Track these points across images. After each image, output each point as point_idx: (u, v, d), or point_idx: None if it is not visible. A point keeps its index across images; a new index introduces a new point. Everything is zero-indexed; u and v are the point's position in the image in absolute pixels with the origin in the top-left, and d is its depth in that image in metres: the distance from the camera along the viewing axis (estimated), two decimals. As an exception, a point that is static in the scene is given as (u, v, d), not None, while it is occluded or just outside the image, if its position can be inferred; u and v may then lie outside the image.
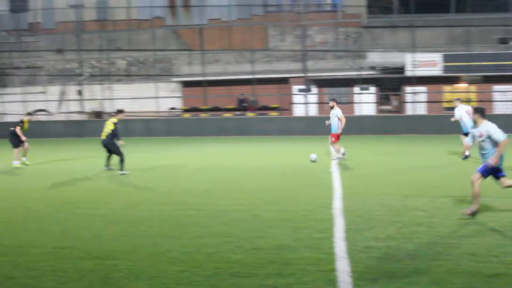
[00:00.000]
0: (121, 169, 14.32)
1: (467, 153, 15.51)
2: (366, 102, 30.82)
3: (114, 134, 14.62)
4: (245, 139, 25.55)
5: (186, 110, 31.92)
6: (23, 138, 17.08)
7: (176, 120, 30.73)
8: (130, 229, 8.16)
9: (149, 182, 12.98)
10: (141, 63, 32.95)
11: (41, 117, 33.14)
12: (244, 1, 32.12)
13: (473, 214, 8.36)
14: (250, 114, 30.08)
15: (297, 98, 30.74)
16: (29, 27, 34.64)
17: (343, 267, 6.13)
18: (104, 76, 32.96)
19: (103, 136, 14.80)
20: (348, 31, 32.66)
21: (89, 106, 32.89)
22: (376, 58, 31.09)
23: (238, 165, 16.03)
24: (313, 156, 16.33)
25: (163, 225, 8.33)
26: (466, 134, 15.21)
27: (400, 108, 31.76)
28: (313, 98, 30.97)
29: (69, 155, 20.86)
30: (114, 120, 14.87)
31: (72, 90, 33.15)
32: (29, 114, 19.09)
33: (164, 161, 17.82)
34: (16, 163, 16.93)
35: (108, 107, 32.63)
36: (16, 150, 17.11)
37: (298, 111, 30.67)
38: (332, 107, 15.89)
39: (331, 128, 15.88)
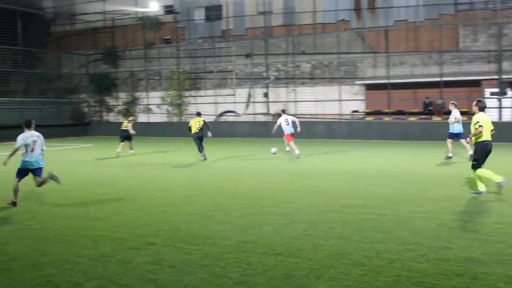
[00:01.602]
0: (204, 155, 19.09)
1: None
2: None
3: (204, 129, 19.39)
4: (429, 145, 24.42)
5: (368, 113, 31.51)
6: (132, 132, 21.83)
7: (358, 123, 30.50)
8: (310, 228, 8.25)
9: (327, 185, 13.05)
10: (325, 66, 33.31)
11: (229, 118, 35.16)
12: (433, 1, 30.77)
13: None
14: (436, 119, 28.71)
15: (490, 102, 28.58)
16: (221, 34, 36.97)
17: (542, 287, 5.53)
18: (289, 79, 33.93)
19: (196, 130, 19.24)
20: (552, 29, 29.56)
21: (274, 108, 34.08)
22: None
23: (421, 172, 15.36)
24: (273, 149, 19.53)
25: (343, 227, 8.29)
26: None
27: None
28: (508, 102, 28.57)
29: (253, 153, 21.78)
30: (201, 119, 19.66)
31: (258, 93, 34.68)
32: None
33: (343, 164, 17.78)
34: None
35: (292, 109, 33.49)
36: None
37: (491, 116, 28.45)
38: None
39: None
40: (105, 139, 33.79)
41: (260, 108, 34.57)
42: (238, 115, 35.23)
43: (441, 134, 26.66)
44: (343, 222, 8.65)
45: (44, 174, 11.34)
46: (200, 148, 19.24)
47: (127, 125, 21.91)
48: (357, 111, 32.14)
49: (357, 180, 13.55)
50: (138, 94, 38.92)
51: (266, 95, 34.19)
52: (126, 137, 21.87)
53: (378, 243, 7.31)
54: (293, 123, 19.62)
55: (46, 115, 37.87)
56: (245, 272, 6.18)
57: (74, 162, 19.88)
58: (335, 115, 31.99)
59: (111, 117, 40.20)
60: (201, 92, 36.63)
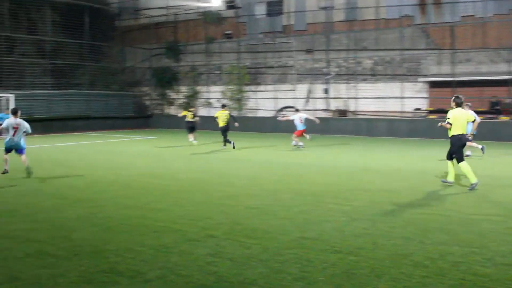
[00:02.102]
0: (225, 145, 21.85)
1: None
2: None
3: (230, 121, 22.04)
4: (496, 145, 23.56)
5: (432, 111, 30.70)
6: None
7: (421, 121, 29.78)
8: (371, 227, 8.12)
9: (388, 183, 12.82)
10: (387, 63, 32.69)
11: (289, 113, 35.10)
12: (503, -5, 29.62)
13: None
14: (503, 118, 27.66)
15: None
16: (282, 29, 36.91)
17: None
18: (350, 75, 33.52)
19: (224, 124, 21.91)
20: None
21: (334, 104, 33.78)
22: None
23: (489, 174, 14.83)
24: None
25: (405, 227, 8.11)
26: None
27: None
28: None
29: (312, 149, 21.67)
30: (227, 111, 22.32)
31: (318, 89, 34.45)
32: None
33: (405, 162, 17.42)
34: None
35: (353, 106, 33.10)
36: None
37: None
38: None
39: None
40: (166, 132, 34.46)
41: (320, 104, 34.33)
42: (298, 110, 35.11)
43: (510, 134, 25.77)
44: (405, 222, 8.47)
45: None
46: (228, 139, 21.74)
47: (192, 116, 24.16)
48: (419, 109, 31.39)
49: (420, 180, 13.23)
50: (198, 88, 39.44)
51: (326, 91, 33.92)
52: (191, 128, 24.18)
53: (442, 245, 7.10)
54: (306, 120, 22.25)
55: (110, 107, 38.99)
56: (305, 269, 6.14)
57: (136, 154, 20.36)
58: (397, 112, 31.38)
59: (172, 110, 40.91)
60: (261, 87, 36.74)
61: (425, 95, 31.49)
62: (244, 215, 9.01)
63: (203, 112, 38.64)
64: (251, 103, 36.83)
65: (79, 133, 33.07)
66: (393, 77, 32.26)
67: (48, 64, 35.58)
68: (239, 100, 36.99)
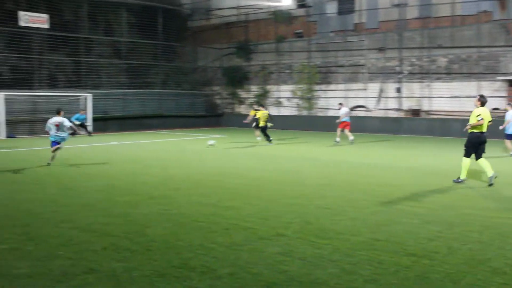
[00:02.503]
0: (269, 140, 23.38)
1: None
2: None
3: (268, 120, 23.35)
4: None
5: (511, 111, 29.31)
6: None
7: (499, 121, 28.53)
8: (445, 230, 7.86)
9: (463, 186, 12.38)
10: (463, 61, 31.55)
11: (360, 113, 34.60)
12: None
13: None
14: None
15: None
16: (354, 28, 36.42)
17: None
18: (424, 74, 32.63)
19: (264, 124, 23.41)
20: None
21: (407, 104, 33.00)
22: None
23: None
24: (211, 141, 22.59)
25: (482, 232, 7.80)
26: None
27: None
28: None
29: (385, 150, 21.28)
30: (267, 111, 23.97)
31: (390, 88, 33.75)
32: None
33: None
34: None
35: (426, 106, 32.23)
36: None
37: None
38: None
39: None
40: (236, 130, 34.81)
41: (392, 103, 33.63)
42: (369, 110, 34.57)
43: None
44: (482, 226, 8.14)
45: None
46: (268, 138, 23.39)
47: (261, 114, 24.39)
48: (497, 109, 30.10)
49: (499, 183, 12.69)
50: (269, 87, 39.59)
51: (398, 90, 33.18)
52: (259, 125, 24.47)
53: (523, 251, 6.78)
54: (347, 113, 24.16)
55: (182, 106, 39.83)
56: (377, 271, 6.03)
57: (208, 152, 20.69)
58: (473, 112, 30.21)
59: (243, 109, 41.29)
60: (332, 86, 36.42)
61: (504, 94, 30.17)
62: (315, 215, 8.95)
63: (273, 111, 38.80)
64: (321, 103, 36.58)
65: (152, 131, 33.99)
66: (469, 75, 31.12)
67: (124, 64, 36.79)
68: (309, 100, 36.84)
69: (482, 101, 12.29)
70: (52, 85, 33.21)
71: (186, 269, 6.10)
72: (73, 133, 29.21)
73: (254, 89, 40.50)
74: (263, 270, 6.05)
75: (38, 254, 6.70)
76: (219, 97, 43.13)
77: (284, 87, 38.79)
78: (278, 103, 38.76)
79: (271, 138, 23.70)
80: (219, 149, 21.82)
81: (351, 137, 23.97)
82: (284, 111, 38.30)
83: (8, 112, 28.27)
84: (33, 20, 31.01)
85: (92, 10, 35.18)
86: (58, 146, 16.21)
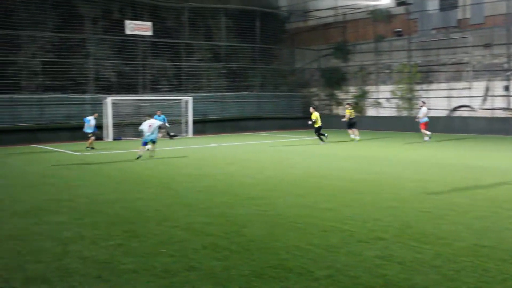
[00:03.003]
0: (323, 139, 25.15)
1: None
2: None
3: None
4: None
5: None
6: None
7: None
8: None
9: None
10: None
11: (464, 113, 33.11)
12: None
13: None
14: None
15: None
16: (457, 24, 34.92)
17: None
18: (534, 71, 30.62)
19: (319, 124, 24.66)
20: None
21: (515, 103, 31.15)
22: None
23: None
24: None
25: None
26: None
27: None
28: None
29: (489, 152, 20.23)
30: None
31: (498, 86, 31.98)
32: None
33: None
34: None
35: (537, 104, 30.26)
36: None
37: None
38: None
39: None
40: (334, 132, 34.50)
41: (499, 102, 31.87)
42: (474, 110, 32.98)
43: None
44: None
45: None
46: (322, 134, 25.07)
47: (350, 113, 26.03)
48: None
49: None
50: (367, 88, 38.91)
51: (507, 88, 31.38)
52: (351, 124, 25.92)
53: None
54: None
55: (280, 108, 40.10)
56: (482, 279, 5.73)
57: (304, 153, 20.67)
58: None
59: (340, 110, 40.88)
60: (433, 86, 35.11)
61: None
62: (415, 219, 8.67)
63: (372, 112, 38.12)
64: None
65: (250, 133, 34.50)
66: None
67: (223, 67, 37.64)
68: (409, 100, 35.77)
69: None
70: (155, 89, 34.66)
71: (283, 270, 6.12)
72: (174, 136, 30.40)
73: (352, 90, 39.95)
74: (361, 274, 5.95)
75: (142, 251, 7.01)
76: (316, 99, 42.98)
77: (383, 88, 37.92)
78: (377, 104, 37.96)
79: (323, 137, 25.34)
80: (315, 150, 21.72)
81: (426, 137, 25.34)
82: (383, 112, 37.45)
83: (115, 115, 29.83)
84: (138, 28, 32.54)
85: (192, 16, 36.31)
86: (148, 146, 18.84)
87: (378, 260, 6.42)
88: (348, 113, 26.76)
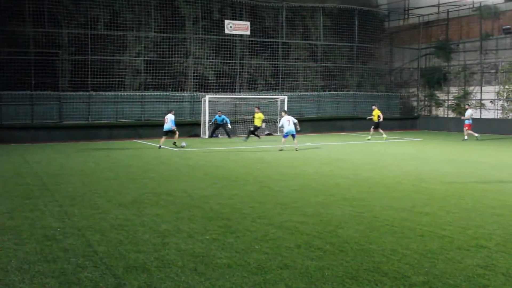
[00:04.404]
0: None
1: None
2: None
3: None
4: None
5: None
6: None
7: None
8: None
9: None
10: None
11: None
12: None
13: None
14: None
15: None
16: None
17: None
18: None
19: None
20: None
21: None
22: None
23: None
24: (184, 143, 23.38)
25: None
26: None
27: None
28: None
29: None
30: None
31: None
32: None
33: None
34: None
35: None
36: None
37: None
38: None
39: None
40: (433, 134, 33.35)
41: None
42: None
43: None
44: None
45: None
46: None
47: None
48: None
49: None
50: (470, 88, 37.18)
51: None
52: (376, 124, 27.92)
53: None
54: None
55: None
56: None
57: (401, 155, 20.14)
58: None
59: (440, 112, 39.42)
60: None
61: None
62: (521, 227, 8.18)
63: (474, 114, 36.43)
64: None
65: (345, 133, 34.09)
66: None
67: (319, 67, 37.44)
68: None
69: None
70: (252, 88, 35.13)
71: (378, 273, 6.00)
72: (269, 134, 30.65)
73: (454, 90, 38.35)
74: (461, 283, 5.70)
75: (237, 246, 7.12)
76: (415, 99, 41.70)
77: (488, 88, 36.07)
78: (481, 106, 36.18)
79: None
80: (413, 152, 21.08)
81: (466, 136, 27.69)
82: (487, 114, 35.63)
83: (212, 113, 30.53)
84: (237, 27, 33.12)
85: (290, 15, 36.42)
86: (285, 139, 21.94)
87: (480, 269, 6.12)
88: (377, 114, 28.31)
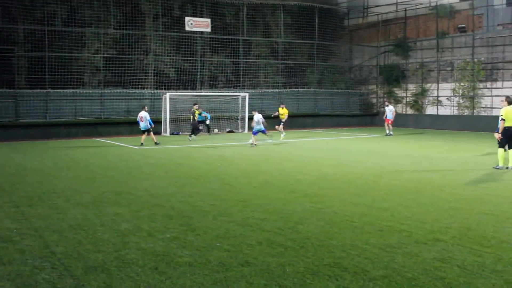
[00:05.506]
0: None
1: None
2: None
3: None
4: None
5: None
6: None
7: None
8: None
9: None
10: None
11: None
12: None
13: None
14: None
15: None
16: (525, 20, 33.57)
17: None
18: None
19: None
20: None
21: None
22: None
23: None
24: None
25: None
26: None
27: None
28: None
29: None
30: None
31: None
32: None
33: None
34: None
35: None
36: None
37: None
38: None
39: None
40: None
41: None
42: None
43: None
44: None
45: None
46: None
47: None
48: None
49: None
50: (427, 85, 37.99)
51: None
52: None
53: None
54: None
55: (336, 105, 39.74)
56: (548, 285, 5.49)
57: (361, 152, 20.42)
58: None
59: (399, 108, 40.14)
60: (498, 84, 33.92)
61: None
62: (476, 221, 8.40)
63: (431, 110, 37.24)
64: (485, 101, 34.26)
65: (306, 130, 34.35)
66: None
67: (280, 64, 37.60)
68: (471, 98, 34.69)
69: (508, 100, 14.33)
70: (213, 85, 35.04)
71: (339, 269, 6.07)
72: (230, 131, 30.59)
73: (412, 87, 39.09)
74: (419, 275, 5.82)
75: (198, 245, 7.10)
76: (374, 96, 42.34)
77: (444, 85, 36.91)
78: (437, 102, 36.99)
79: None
80: (373, 149, 21.41)
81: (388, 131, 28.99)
82: (443, 111, 36.47)
83: (172, 110, 30.33)
84: (197, 24, 32.96)
85: (251, 12, 36.44)
86: (254, 136, 22.73)
87: (437, 262, 6.26)
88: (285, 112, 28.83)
